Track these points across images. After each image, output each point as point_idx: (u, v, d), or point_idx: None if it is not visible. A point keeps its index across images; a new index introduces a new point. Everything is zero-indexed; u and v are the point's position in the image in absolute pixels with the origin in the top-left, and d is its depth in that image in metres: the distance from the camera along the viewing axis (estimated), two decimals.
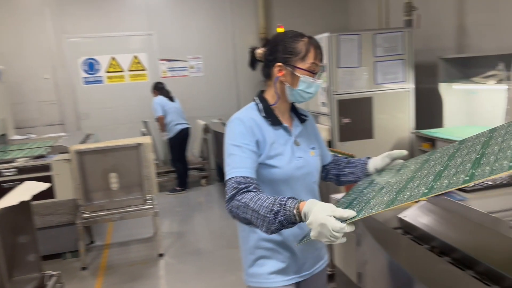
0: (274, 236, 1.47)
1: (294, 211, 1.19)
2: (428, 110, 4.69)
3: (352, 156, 2.21)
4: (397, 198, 1.08)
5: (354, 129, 4.42)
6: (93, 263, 3.85)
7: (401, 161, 1.51)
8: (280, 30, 1.62)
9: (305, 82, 1.48)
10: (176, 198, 5.72)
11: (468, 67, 4.22)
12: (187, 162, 5.96)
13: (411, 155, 4.56)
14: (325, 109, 4.45)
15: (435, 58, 4.38)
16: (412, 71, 4.42)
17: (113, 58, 6.38)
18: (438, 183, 1.02)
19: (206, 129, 6.01)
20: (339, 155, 1.79)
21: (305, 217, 1.17)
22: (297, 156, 1.50)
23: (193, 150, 6.33)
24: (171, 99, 5.77)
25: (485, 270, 1.21)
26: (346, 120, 4.39)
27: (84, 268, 3.71)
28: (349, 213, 1.10)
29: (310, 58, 1.47)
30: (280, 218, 1.20)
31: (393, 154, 1.51)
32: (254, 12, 6.65)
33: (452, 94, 4.28)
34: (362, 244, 1.86)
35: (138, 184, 3.76)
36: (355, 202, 1.23)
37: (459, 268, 1.29)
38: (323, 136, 4.95)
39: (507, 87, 2.48)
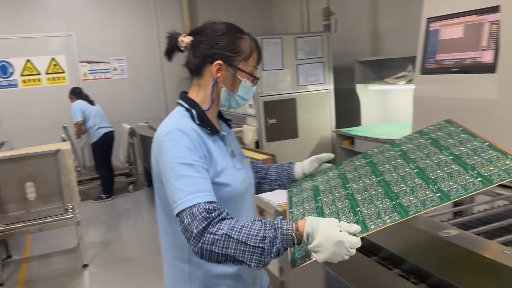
0: (229, 269, 1.24)
1: (293, 233, 1.01)
2: (347, 109, 4.96)
3: (272, 156, 2.29)
4: (407, 206, 1.05)
5: (280, 129, 4.55)
6: (10, 278, 3.60)
7: (329, 164, 1.47)
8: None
9: (245, 87, 1.27)
10: (101, 206, 5.50)
11: (382, 69, 4.52)
12: (113, 167, 5.76)
13: (333, 152, 4.78)
14: (252, 111, 4.54)
15: (352, 60, 4.64)
16: (331, 73, 4.65)
17: (29, 61, 5.99)
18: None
19: (132, 133, 5.85)
20: (257, 160, 1.77)
21: (308, 239, 1.00)
22: (238, 168, 1.28)
23: (119, 155, 6.13)
24: (91, 103, 5.54)
25: (412, 268, 1.20)
26: (272, 121, 4.51)
27: (0, 285, 3.46)
28: (355, 228, 1.00)
29: (253, 60, 1.27)
30: (278, 245, 1.00)
31: (321, 158, 1.45)
32: (179, 13, 6.59)
33: (368, 94, 4.56)
34: None
35: (58, 193, 3.57)
36: (327, 211, 1.17)
37: (386, 267, 1.26)
38: (250, 137, 5.01)
39: (413, 87, 2.72)
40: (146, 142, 5.27)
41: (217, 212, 1.05)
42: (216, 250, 1.01)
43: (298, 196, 1.35)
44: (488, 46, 1.96)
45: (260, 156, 2.28)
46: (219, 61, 1.22)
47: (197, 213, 1.04)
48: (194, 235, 1.02)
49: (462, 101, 2.06)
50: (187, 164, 1.12)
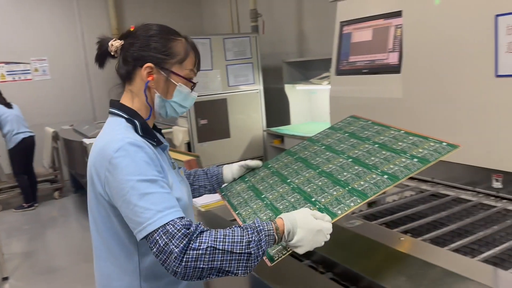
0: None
1: (274, 232, 1.01)
2: (277, 109, 5.08)
3: (196, 156, 2.30)
4: (361, 189, 1.14)
5: (211, 130, 4.56)
6: None
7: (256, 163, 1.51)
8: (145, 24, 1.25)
9: (181, 93, 1.19)
10: (24, 215, 5.18)
11: (308, 69, 4.69)
12: (35, 174, 5.44)
13: (264, 151, 4.89)
14: None
15: (280, 61, 4.76)
16: (260, 74, 4.74)
17: None
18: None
19: (56, 137, 5.57)
20: (181, 161, 1.75)
21: (288, 235, 1.02)
22: (179, 180, 1.24)
23: (43, 161, 5.80)
24: (8, 105, 5.18)
25: (320, 258, 1.25)
26: (203, 121, 4.51)
27: None
28: (327, 216, 1.06)
29: (189, 64, 1.19)
30: (264, 247, 0.99)
31: (250, 165, 1.48)
32: (104, 11, 6.36)
33: (296, 94, 4.70)
34: None
35: None
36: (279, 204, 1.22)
37: (317, 270, 1.28)
38: (180, 138, 4.94)
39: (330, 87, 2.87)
40: (71, 146, 5.04)
41: (194, 226, 1.00)
42: (202, 265, 0.96)
43: (237, 198, 1.37)
44: (393, 48, 2.11)
45: (183, 157, 2.28)
46: (149, 64, 1.15)
47: (175, 231, 0.97)
48: (176, 255, 0.95)
49: (372, 100, 2.20)
50: (149, 181, 1.03)
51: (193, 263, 0.95)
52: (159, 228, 0.98)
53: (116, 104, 1.20)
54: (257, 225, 1.00)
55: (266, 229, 1.00)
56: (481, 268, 1.22)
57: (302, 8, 4.86)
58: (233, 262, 0.97)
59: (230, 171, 1.47)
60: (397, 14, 2.10)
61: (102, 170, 1.07)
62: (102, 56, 1.22)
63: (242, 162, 1.48)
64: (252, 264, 0.98)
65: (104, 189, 1.08)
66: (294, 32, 5.01)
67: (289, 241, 1.02)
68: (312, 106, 4.76)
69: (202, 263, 0.95)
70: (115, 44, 1.19)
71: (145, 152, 1.07)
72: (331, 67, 2.52)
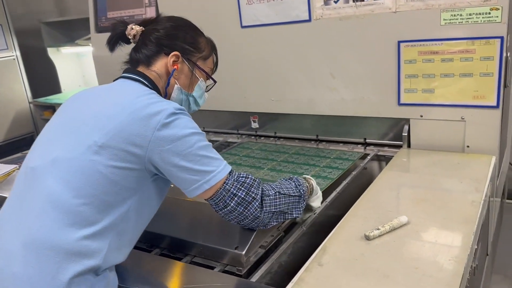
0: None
1: (305, 180, 1.24)
2: (43, 77, 4.54)
3: None
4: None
5: None
6: None
7: None
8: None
9: (200, 89, 1.21)
10: None
11: (73, 30, 4.29)
12: None
13: (35, 125, 4.36)
14: None
15: (37, 22, 4.21)
16: (14, 38, 4.11)
17: None
18: None
19: None
20: None
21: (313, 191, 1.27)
22: None
23: None
24: None
25: (171, 242, 1.22)
26: None
27: None
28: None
29: (211, 63, 1.22)
30: (305, 190, 1.19)
31: None
32: None
33: (62, 58, 4.28)
34: None
35: None
36: None
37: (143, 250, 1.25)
38: None
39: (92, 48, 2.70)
40: None
41: (251, 175, 1.06)
42: (274, 209, 1.06)
43: None
44: (149, 3, 2.10)
45: None
46: (176, 52, 1.11)
47: (248, 180, 1.02)
48: (258, 202, 1.02)
49: None
50: (203, 134, 1.01)
51: (268, 207, 1.04)
52: (228, 178, 0.99)
53: (136, 72, 1.09)
54: (291, 176, 1.22)
55: (300, 178, 1.22)
56: None
57: None
58: (291, 204, 1.12)
59: None
60: None
61: (144, 133, 0.92)
62: (117, 39, 1.14)
63: None
64: (302, 205, 1.16)
65: (142, 158, 0.94)
66: None
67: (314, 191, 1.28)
68: (84, 71, 4.43)
69: (274, 207, 1.06)
70: (135, 28, 1.13)
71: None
72: (90, 24, 2.36)
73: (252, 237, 1.10)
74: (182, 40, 1.13)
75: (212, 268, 1.12)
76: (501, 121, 1.58)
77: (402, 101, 1.72)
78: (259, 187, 1.04)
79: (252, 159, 1.89)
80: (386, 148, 1.85)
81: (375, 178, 1.51)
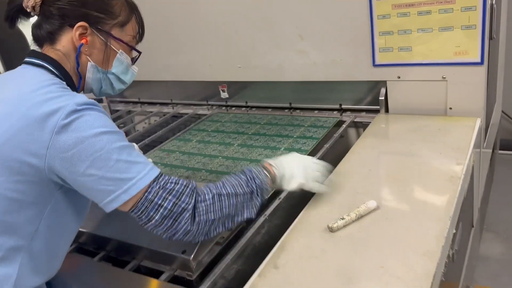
0: None
1: (263, 169, 0.99)
2: None
3: None
4: None
5: None
6: None
7: None
8: None
9: (122, 63, 0.98)
10: None
11: None
12: None
13: None
14: None
15: None
16: None
17: None
18: None
19: None
20: None
21: (276, 168, 1.02)
22: None
23: None
24: None
25: (118, 245, 1.11)
26: None
27: None
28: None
29: (131, 29, 0.99)
30: (260, 183, 0.96)
31: None
32: None
33: None
34: None
35: None
36: None
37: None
38: None
39: None
40: None
41: (185, 180, 0.87)
42: (213, 217, 0.87)
43: None
44: None
45: None
46: (82, 23, 0.90)
47: (177, 186, 0.83)
48: (189, 213, 0.83)
49: None
50: (119, 133, 0.83)
51: (204, 216, 0.85)
52: (151, 186, 0.81)
53: (39, 54, 0.90)
54: (244, 168, 0.98)
55: (254, 168, 0.98)
56: None
57: None
58: (239, 204, 0.92)
59: None
60: None
61: (40, 138, 0.76)
62: (14, 13, 0.94)
63: None
64: (256, 202, 0.95)
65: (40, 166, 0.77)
66: None
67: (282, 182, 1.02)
68: None
69: (213, 214, 0.87)
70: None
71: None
72: None
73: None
74: (89, 6, 0.92)
75: (160, 273, 1.00)
76: (487, 79, 1.42)
77: (377, 62, 1.55)
78: (192, 194, 0.85)
79: (222, 134, 1.74)
80: (363, 114, 1.70)
81: (352, 146, 1.38)
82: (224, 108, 2.04)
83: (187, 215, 0.83)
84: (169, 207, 0.81)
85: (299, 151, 1.46)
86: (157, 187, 0.81)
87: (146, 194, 0.80)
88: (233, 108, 2.02)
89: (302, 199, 1.14)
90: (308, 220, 1.05)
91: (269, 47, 1.75)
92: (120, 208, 0.80)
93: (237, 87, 1.97)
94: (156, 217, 0.81)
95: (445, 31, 1.39)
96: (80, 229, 1.09)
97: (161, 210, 0.81)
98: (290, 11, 1.63)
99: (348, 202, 1.08)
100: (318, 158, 1.40)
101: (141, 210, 0.81)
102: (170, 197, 0.82)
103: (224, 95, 2.01)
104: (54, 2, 0.91)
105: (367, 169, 1.24)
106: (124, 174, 0.78)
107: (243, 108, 1.99)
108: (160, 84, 2.17)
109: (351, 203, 1.07)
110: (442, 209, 1.00)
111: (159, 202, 0.81)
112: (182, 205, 0.82)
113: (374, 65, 1.56)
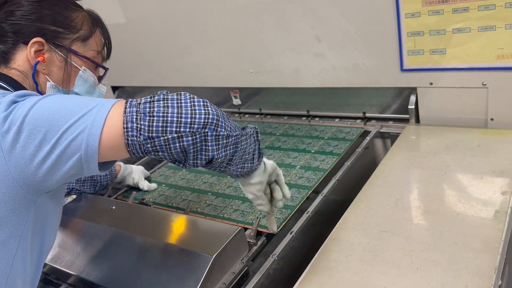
0: None
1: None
2: None
3: None
4: None
5: None
6: None
7: None
8: None
9: (86, 82, 0.89)
10: None
11: None
12: None
13: None
14: None
15: None
16: None
17: None
18: None
19: None
20: None
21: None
22: None
23: None
24: None
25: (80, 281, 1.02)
26: None
27: None
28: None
29: (95, 44, 0.90)
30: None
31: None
32: None
33: None
34: None
35: None
36: None
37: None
38: None
39: None
40: None
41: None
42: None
43: None
44: None
45: None
46: (38, 38, 0.81)
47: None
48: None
49: None
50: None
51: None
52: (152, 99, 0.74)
53: None
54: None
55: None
56: None
57: None
58: (247, 141, 0.83)
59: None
60: None
61: None
62: None
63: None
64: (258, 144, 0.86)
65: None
66: None
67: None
68: None
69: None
70: None
71: None
72: None
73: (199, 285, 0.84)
74: (46, 20, 0.83)
75: None
76: None
77: (405, 66, 1.35)
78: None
79: None
80: (390, 123, 1.51)
81: (378, 159, 1.21)
82: (237, 115, 1.89)
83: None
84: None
85: (316, 170, 1.30)
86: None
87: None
88: (247, 116, 1.87)
89: (314, 239, 0.99)
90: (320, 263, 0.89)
91: (283, 50, 1.57)
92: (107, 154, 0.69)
93: (249, 93, 1.81)
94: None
95: (486, 30, 1.18)
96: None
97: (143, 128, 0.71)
98: (305, 9, 1.45)
99: (368, 238, 0.92)
100: (338, 179, 1.24)
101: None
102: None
103: (237, 101, 1.85)
104: (7, 19, 0.82)
105: (395, 198, 1.06)
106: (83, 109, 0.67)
107: (257, 116, 1.83)
108: (167, 90, 2.03)
109: (371, 240, 0.90)
110: (486, 258, 0.82)
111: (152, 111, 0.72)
112: (196, 116, 0.74)
113: (402, 69, 1.36)
